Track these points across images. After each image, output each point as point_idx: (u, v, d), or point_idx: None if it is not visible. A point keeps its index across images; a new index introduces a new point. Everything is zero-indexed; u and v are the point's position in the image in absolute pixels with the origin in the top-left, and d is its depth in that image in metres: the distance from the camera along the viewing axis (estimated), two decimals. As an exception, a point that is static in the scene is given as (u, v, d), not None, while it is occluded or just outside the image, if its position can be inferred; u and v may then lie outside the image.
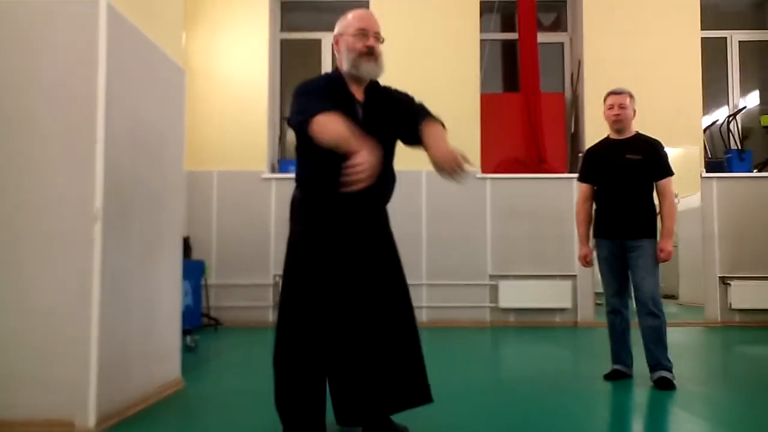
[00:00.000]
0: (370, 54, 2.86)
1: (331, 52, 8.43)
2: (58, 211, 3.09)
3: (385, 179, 2.86)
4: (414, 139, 2.88)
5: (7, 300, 3.06)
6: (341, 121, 2.57)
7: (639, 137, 4.46)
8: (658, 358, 4.18)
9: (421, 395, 2.90)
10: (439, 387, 3.01)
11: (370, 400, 2.78)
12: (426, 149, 2.77)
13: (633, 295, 4.35)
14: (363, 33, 2.87)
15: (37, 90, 3.13)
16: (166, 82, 3.99)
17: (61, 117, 3.12)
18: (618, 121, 4.40)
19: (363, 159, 2.42)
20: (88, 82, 3.12)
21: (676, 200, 4.42)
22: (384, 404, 2.82)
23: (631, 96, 4.44)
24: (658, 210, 4.39)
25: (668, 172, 4.37)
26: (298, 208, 2.94)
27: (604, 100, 4.47)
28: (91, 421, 3.05)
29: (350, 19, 2.92)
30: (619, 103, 4.40)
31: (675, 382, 4.12)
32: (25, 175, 3.10)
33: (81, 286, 3.07)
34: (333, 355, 2.79)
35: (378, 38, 2.91)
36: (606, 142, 4.53)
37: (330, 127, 2.56)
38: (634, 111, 4.45)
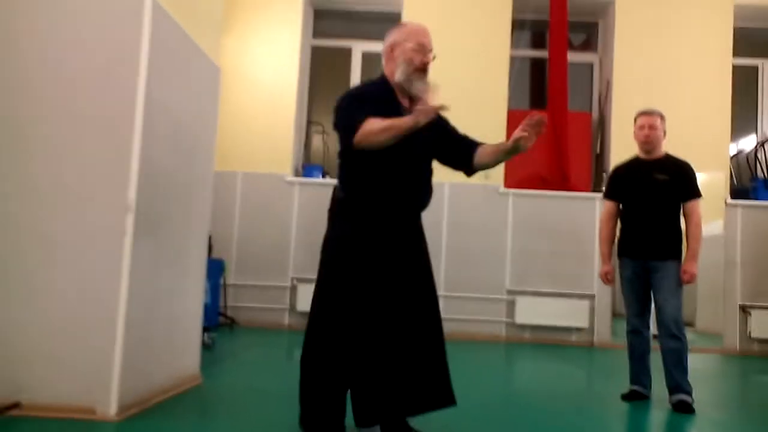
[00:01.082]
0: (425, 71, 2.91)
1: (360, 61, 8.50)
2: (93, 200, 3.14)
3: (424, 189, 2.98)
4: (460, 160, 3.08)
5: (38, 282, 3.11)
6: (384, 119, 2.66)
7: (669, 158, 4.43)
8: (678, 381, 4.14)
9: (445, 397, 2.93)
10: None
11: (396, 401, 2.79)
12: (497, 148, 3.00)
13: (655, 316, 4.32)
14: (422, 48, 2.90)
15: (80, 81, 3.19)
16: (202, 79, 4.04)
17: (100, 108, 3.18)
18: (648, 142, 4.38)
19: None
20: (130, 75, 3.18)
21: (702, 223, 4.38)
22: (409, 405, 2.83)
23: (662, 117, 4.42)
24: (684, 232, 4.35)
25: (696, 194, 4.32)
26: (341, 208, 2.94)
27: (635, 120, 4.47)
28: (113, 409, 3.08)
29: (411, 31, 2.94)
30: (649, 123, 4.38)
31: (694, 406, 4.09)
32: (63, 163, 3.16)
33: (110, 275, 3.11)
34: (363, 355, 2.78)
35: (432, 56, 2.94)
36: (635, 161, 4.52)
37: (376, 126, 2.65)
38: (665, 132, 4.44)
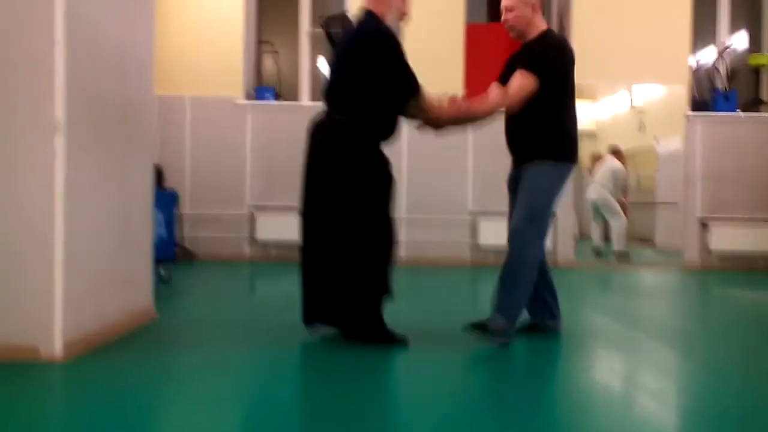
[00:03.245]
0: (403, 20, 3.60)
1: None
2: (16, 120, 2.84)
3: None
4: None
5: (-37, 216, 2.83)
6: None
7: (534, 42, 3.60)
8: (497, 299, 3.54)
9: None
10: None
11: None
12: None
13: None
14: (409, 0, 3.57)
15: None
16: (135, -10, 3.69)
17: (17, 22, 2.84)
18: (509, 28, 3.64)
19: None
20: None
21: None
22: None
23: None
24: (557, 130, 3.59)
25: (524, 64, 3.50)
26: (352, 132, 3.38)
27: None
28: (57, 347, 2.87)
29: None
30: (504, 5, 3.62)
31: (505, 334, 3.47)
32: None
33: (43, 201, 2.85)
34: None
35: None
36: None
37: (434, 106, 3.58)
38: (532, 6, 3.59)
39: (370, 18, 3.47)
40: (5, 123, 2.84)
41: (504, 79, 3.67)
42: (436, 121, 3.64)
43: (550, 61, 3.51)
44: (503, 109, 3.61)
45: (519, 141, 3.65)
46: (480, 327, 3.49)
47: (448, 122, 3.66)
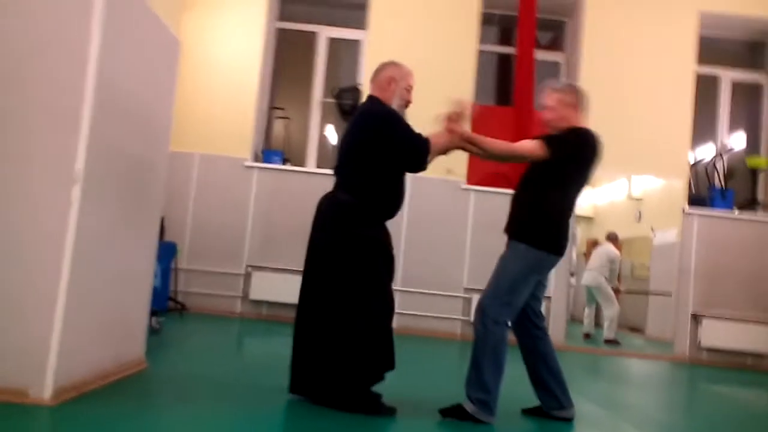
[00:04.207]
0: (408, 105, 3.74)
1: (326, 47, 8.33)
2: (37, 170, 2.94)
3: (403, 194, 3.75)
4: None
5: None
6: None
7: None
8: (467, 379, 3.53)
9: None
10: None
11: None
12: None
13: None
14: (411, 89, 3.72)
15: (27, 45, 2.98)
16: (160, 51, 3.86)
17: (49, 75, 2.98)
18: (548, 125, 3.75)
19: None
20: (81, 41, 2.99)
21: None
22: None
23: (562, 91, 3.74)
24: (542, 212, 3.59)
25: (542, 137, 3.59)
26: (354, 213, 3.51)
27: None
28: (47, 392, 2.89)
29: (405, 74, 3.70)
30: (544, 104, 3.76)
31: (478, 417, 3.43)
32: (5, 133, 2.95)
33: (53, 249, 2.92)
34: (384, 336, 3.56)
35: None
36: None
37: (437, 141, 3.60)
38: (572, 106, 3.70)
39: (372, 102, 3.67)
40: (26, 171, 2.94)
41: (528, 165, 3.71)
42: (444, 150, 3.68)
43: (567, 142, 3.57)
44: (504, 154, 3.64)
45: (510, 215, 3.68)
46: (534, 412, 3.70)
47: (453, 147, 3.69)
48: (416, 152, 3.54)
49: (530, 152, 3.57)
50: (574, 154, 3.60)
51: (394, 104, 3.64)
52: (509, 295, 3.49)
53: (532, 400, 3.77)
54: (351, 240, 3.47)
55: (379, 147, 3.51)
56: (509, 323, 3.58)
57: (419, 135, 3.55)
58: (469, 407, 3.42)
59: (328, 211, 3.59)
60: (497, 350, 3.44)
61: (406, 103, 3.71)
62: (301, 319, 3.52)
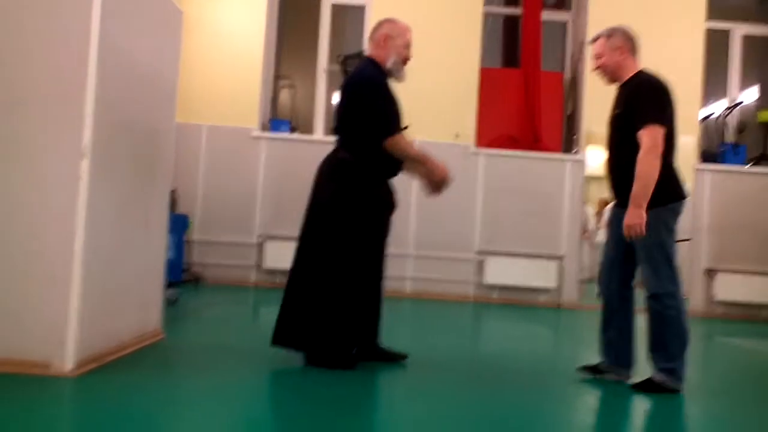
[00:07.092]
0: (406, 63, 3.70)
1: (330, 14, 8.26)
2: (45, 146, 2.96)
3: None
4: None
5: (-11, 231, 2.94)
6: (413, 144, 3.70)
7: (630, 83, 3.65)
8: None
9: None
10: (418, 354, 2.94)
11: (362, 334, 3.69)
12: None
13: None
14: (408, 45, 3.67)
15: (29, 21, 2.98)
16: (163, 22, 3.84)
17: (52, 51, 2.97)
18: (601, 75, 3.74)
19: (446, 171, 3.64)
20: (82, 17, 2.98)
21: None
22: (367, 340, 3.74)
23: (608, 36, 3.66)
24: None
25: (642, 120, 3.46)
26: (350, 169, 3.55)
27: None
28: (68, 364, 2.95)
29: (402, 30, 3.66)
30: (594, 53, 3.71)
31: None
32: (12, 109, 2.96)
33: (66, 223, 2.95)
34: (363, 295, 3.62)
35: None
36: None
37: (409, 150, 3.64)
38: (620, 50, 3.66)
39: (364, 63, 3.70)
40: (34, 145, 2.96)
41: (612, 127, 3.67)
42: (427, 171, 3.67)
43: (655, 104, 3.55)
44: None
45: (621, 185, 3.56)
46: (593, 370, 3.71)
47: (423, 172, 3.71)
48: (381, 130, 3.52)
49: (659, 146, 3.45)
50: (663, 107, 3.56)
51: (391, 61, 3.62)
52: (668, 265, 3.47)
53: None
54: (346, 195, 3.53)
55: (356, 111, 3.57)
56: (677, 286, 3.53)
57: (393, 117, 3.57)
58: (658, 378, 3.47)
59: (326, 167, 3.66)
60: (678, 320, 3.48)
61: (404, 60, 3.68)
62: (292, 273, 3.61)
